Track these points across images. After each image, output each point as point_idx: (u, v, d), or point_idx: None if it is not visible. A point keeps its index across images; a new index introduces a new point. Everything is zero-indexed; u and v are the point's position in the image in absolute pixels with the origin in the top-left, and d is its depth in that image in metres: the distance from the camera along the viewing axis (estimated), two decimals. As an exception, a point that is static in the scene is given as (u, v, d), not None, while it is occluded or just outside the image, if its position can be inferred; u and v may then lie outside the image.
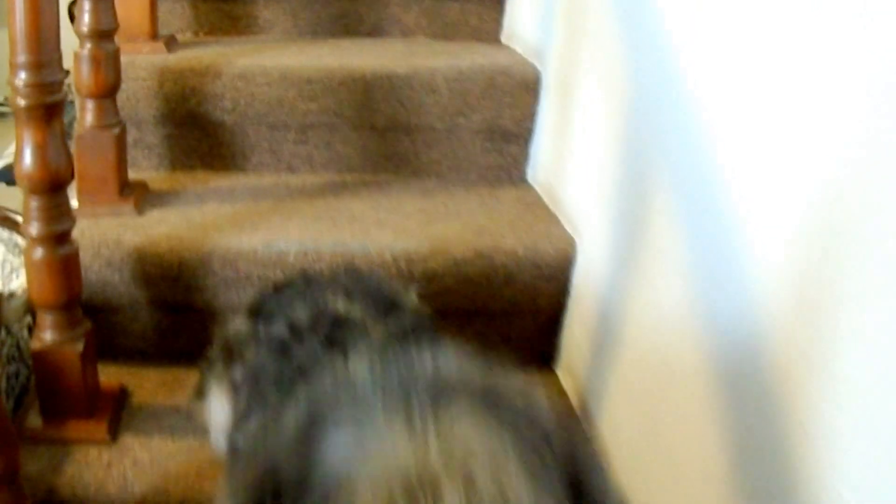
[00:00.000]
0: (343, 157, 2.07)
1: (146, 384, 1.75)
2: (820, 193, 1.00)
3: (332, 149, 2.06)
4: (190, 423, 1.62)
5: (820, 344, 1.00)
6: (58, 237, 1.50)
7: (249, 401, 1.25)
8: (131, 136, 1.94)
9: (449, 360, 0.89)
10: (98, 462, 1.56)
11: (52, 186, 1.46)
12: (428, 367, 0.87)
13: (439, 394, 0.83)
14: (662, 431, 1.43)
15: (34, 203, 1.47)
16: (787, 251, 1.07)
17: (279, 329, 1.29)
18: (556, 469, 0.88)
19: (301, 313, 1.29)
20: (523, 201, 2.02)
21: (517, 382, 0.90)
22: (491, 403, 0.84)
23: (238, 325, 1.40)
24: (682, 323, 1.34)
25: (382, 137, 2.06)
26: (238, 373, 1.33)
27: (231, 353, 1.39)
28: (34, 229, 1.48)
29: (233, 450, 1.26)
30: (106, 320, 1.76)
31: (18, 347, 1.80)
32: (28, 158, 1.42)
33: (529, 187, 2.11)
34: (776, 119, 1.10)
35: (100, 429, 1.62)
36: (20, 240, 1.92)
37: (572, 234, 1.83)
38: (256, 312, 1.38)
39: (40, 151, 1.42)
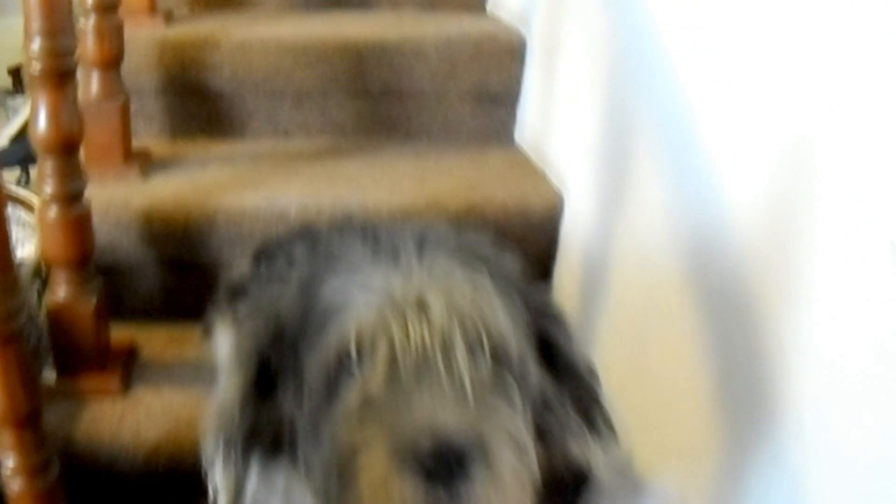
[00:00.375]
0: (337, 121, 2.15)
1: (154, 340, 1.83)
2: (790, 142, 1.09)
3: (326, 114, 2.14)
4: (199, 374, 1.70)
5: (791, 266, 1.08)
6: (71, 196, 1.58)
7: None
8: (133, 106, 2.01)
9: (431, 226, 0.99)
10: (112, 412, 1.64)
11: (65, 148, 1.53)
12: (414, 230, 0.96)
13: (423, 244, 0.93)
14: (649, 362, 1.52)
15: (48, 164, 1.54)
16: (761, 189, 1.16)
17: (280, 264, 1.37)
18: (525, 314, 0.97)
19: (301, 249, 1.37)
20: (511, 160, 2.10)
21: (493, 248, 1.00)
22: (469, 255, 0.94)
23: (242, 268, 1.48)
24: (666, 257, 1.43)
25: (375, 102, 2.14)
26: (241, 308, 1.41)
27: (235, 292, 1.47)
28: (48, 189, 1.56)
29: None
30: (114, 281, 1.83)
31: (28, 312, 1.87)
32: (42, 122, 1.50)
33: (517, 148, 2.19)
34: (749, 73, 1.19)
35: (112, 381, 1.69)
36: (23, 213, 1.99)
37: (559, 189, 1.91)
38: (259, 256, 1.46)
39: (54, 115, 1.49)
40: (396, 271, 0.90)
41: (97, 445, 1.59)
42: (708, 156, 1.30)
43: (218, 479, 1.00)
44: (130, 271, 1.87)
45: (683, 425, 1.39)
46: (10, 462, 1.37)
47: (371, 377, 0.86)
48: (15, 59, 2.85)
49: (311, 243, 1.31)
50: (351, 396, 0.87)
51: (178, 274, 1.87)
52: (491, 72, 2.14)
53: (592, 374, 1.05)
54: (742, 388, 1.20)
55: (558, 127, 1.98)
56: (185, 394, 1.68)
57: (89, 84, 1.88)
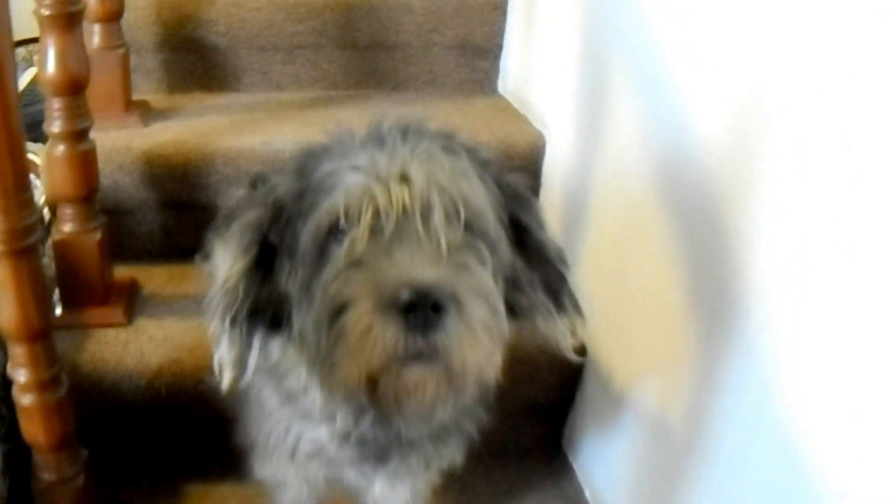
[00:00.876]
0: (328, 74, 2.23)
1: (156, 278, 1.91)
2: (746, 58, 1.20)
3: (318, 67, 2.22)
4: (199, 307, 1.77)
5: (751, 167, 1.18)
6: (77, 134, 1.65)
7: None
8: (132, 62, 2.09)
9: (414, 119, 1.08)
10: (116, 341, 1.72)
11: (73, 88, 1.61)
12: (399, 121, 1.06)
13: (407, 131, 1.03)
14: (627, 280, 1.60)
15: (56, 104, 1.62)
16: (721, 104, 1.26)
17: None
18: (500, 197, 1.07)
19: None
20: (495, 107, 2.19)
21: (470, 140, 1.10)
22: (449, 141, 1.04)
23: (239, 196, 1.56)
24: (642, 179, 1.52)
25: (364, 55, 2.22)
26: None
27: (232, 215, 1.55)
28: (56, 127, 1.63)
29: None
30: (117, 223, 1.91)
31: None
32: (51, 63, 1.57)
33: (501, 97, 2.28)
34: (717, 22, 1.29)
35: (116, 313, 1.77)
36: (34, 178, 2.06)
37: (541, 130, 2.00)
38: (255, 182, 1.53)
39: (62, 56, 1.57)
40: (382, 153, 0.99)
41: (102, 371, 1.67)
42: (676, 85, 1.40)
43: (223, 354, 1.09)
44: (132, 213, 1.95)
45: (659, 335, 1.48)
46: (22, 377, 1.45)
47: (356, 239, 0.95)
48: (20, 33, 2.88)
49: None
50: (339, 258, 0.96)
51: (178, 215, 1.95)
52: (474, 25, 2.23)
53: (561, 258, 1.13)
54: (713, 289, 1.29)
55: (539, 73, 2.07)
56: (186, 324, 1.76)
57: (91, 37, 1.96)
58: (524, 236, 1.10)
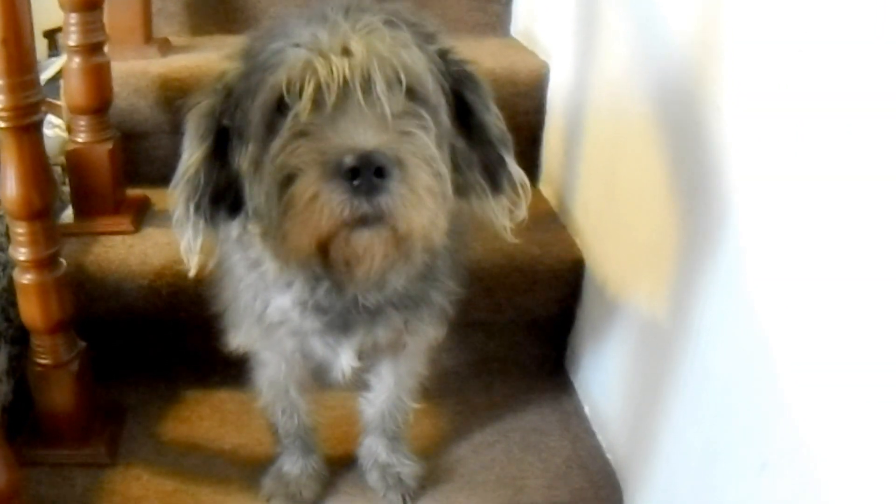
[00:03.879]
0: (344, 16, 2.28)
1: (168, 199, 1.95)
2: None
3: (334, 10, 2.27)
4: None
5: (723, 69, 1.20)
6: (92, 47, 1.73)
7: None
8: (155, 6, 2.17)
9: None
10: (122, 245, 1.77)
11: (88, 4, 1.70)
12: (346, 1, 1.07)
13: (349, 9, 1.04)
14: (619, 192, 1.63)
15: (73, 19, 1.71)
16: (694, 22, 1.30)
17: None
18: (444, 71, 1.09)
19: None
20: (505, 44, 2.23)
21: (418, 14, 1.11)
22: (392, 17, 1.05)
23: None
24: (630, 90, 1.55)
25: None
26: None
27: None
28: (72, 41, 1.71)
29: None
30: (133, 147, 1.98)
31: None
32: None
33: (513, 39, 2.32)
34: None
35: (125, 221, 1.83)
36: (53, 118, 2.14)
37: (546, 61, 2.03)
38: None
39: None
40: (324, 28, 1.01)
41: (106, 271, 1.72)
42: (661, 14, 1.43)
43: (189, 241, 1.14)
44: (148, 138, 2.00)
45: (648, 241, 1.49)
46: (22, 255, 1.49)
47: (299, 111, 0.98)
48: (49, 22, 2.97)
49: None
50: (284, 130, 0.99)
51: (191, 139, 1.99)
52: (483, -34, 2.27)
53: (503, 140, 1.15)
54: (693, 194, 1.30)
55: (544, 9, 2.12)
56: (192, 231, 1.79)
57: (114, -27, 2.05)
58: (468, 116, 1.13)
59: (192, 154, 1.11)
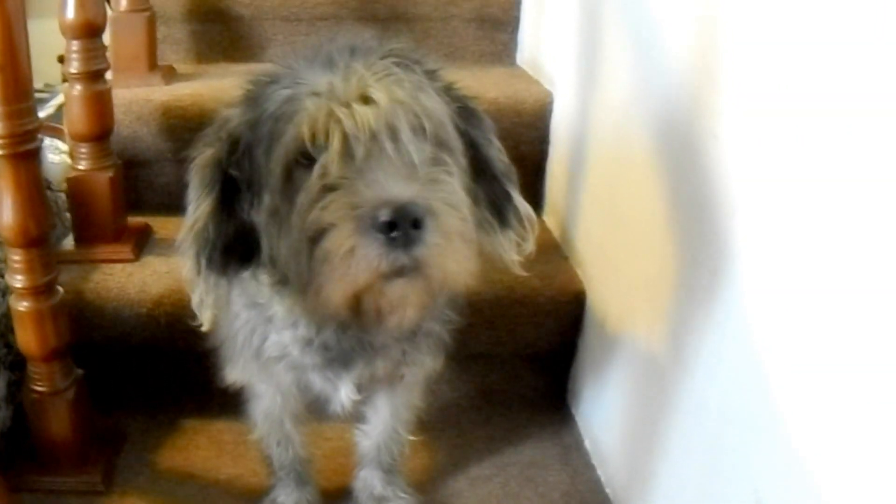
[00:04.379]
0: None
1: (169, 226, 1.95)
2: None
3: (338, 40, 2.27)
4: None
5: (720, 96, 1.19)
6: (93, 74, 1.73)
7: None
8: (160, 33, 2.18)
9: (358, 36, 1.09)
10: (121, 273, 1.77)
11: (89, 31, 1.71)
12: (342, 41, 1.07)
13: (354, 50, 1.04)
14: (618, 224, 1.62)
15: (74, 46, 1.71)
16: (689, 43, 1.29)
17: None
18: (452, 107, 1.08)
19: None
20: (510, 75, 2.21)
21: (418, 51, 1.10)
22: (399, 57, 1.04)
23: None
24: (631, 119, 1.55)
25: (384, 27, 2.26)
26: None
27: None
28: (73, 68, 1.72)
29: None
30: (135, 175, 1.98)
31: (57, 204, 2.02)
32: (70, 8, 1.66)
33: (518, 68, 2.31)
34: None
35: (125, 250, 1.82)
36: (60, 143, 2.15)
37: (549, 90, 2.02)
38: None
39: (81, 2, 1.66)
40: (336, 74, 0.99)
41: (105, 299, 1.71)
42: (661, 44, 1.42)
43: (202, 296, 1.12)
44: (150, 165, 2.00)
45: (648, 274, 1.48)
46: (18, 283, 1.48)
47: (328, 164, 0.95)
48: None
49: None
50: (312, 185, 0.96)
51: (193, 167, 2.00)
52: (491, -2, 2.28)
53: (508, 175, 1.14)
54: (694, 228, 1.29)
55: (549, 38, 2.11)
56: (191, 260, 1.79)
57: (118, 1, 2.06)
58: (472, 151, 1.11)
59: (198, 206, 1.08)
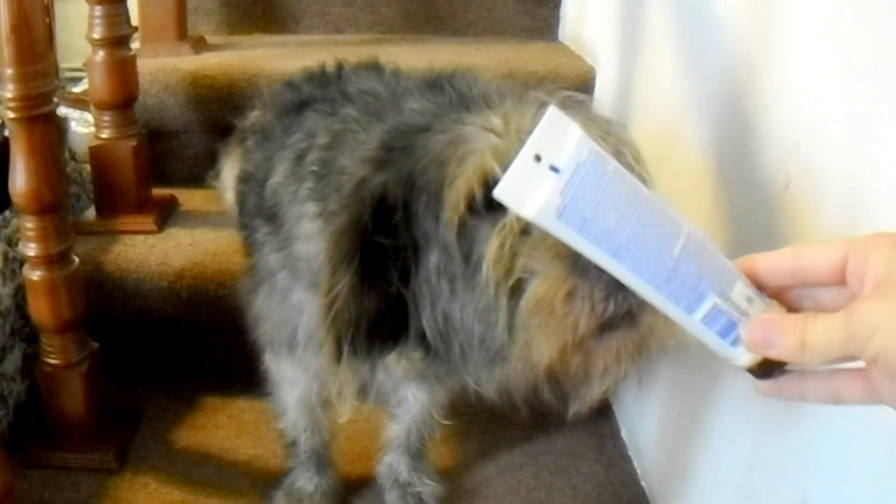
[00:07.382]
0: (386, 18, 2.22)
1: (195, 198, 1.90)
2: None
3: (376, 11, 2.21)
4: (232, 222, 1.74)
5: (771, 49, 1.11)
6: (116, 40, 1.67)
7: (255, 147, 1.31)
8: (192, 3, 2.13)
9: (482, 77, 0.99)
10: (143, 244, 1.71)
11: None
12: (479, 83, 0.97)
13: (503, 94, 0.91)
14: (665, 192, 1.48)
15: (97, 11, 1.66)
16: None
17: (288, 96, 1.34)
18: None
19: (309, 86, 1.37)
20: (551, 49, 2.13)
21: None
22: (539, 94, 0.89)
23: (253, 115, 1.53)
24: (676, 92, 1.47)
25: (423, 0, 2.21)
26: (250, 140, 1.42)
27: (244, 133, 1.51)
28: (96, 34, 1.66)
29: (239, 195, 1.35)
30: (162, 146, 1.93)
31: (81, 174, 1.97)
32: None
33: (560, 43, 2.23)
34: None
35: (147, 221, 1.76)
36: (90, 116, 2.10)
37: (592, 65, 1.93)
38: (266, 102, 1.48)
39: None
40: (502, 110, 0.86)
41: (125, 271, 1.65)
42: (714, 14, 1.33)
43: (345, 385, 1.06)
44: (178, 136, 1.95)
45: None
46: (31, 251, 1.43)
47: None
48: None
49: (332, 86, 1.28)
50: (502, 227, 0.80)
51: (221, 138, 1.92)
52: (533, -30, 2.20)
53: None
54: (736, 194, 1.22)
55: (592, 14, 2.02)
56: (215, 233, 1.74)
57: (146, -29, 2.01)
58: None
59: (336, 282, 0.91)
